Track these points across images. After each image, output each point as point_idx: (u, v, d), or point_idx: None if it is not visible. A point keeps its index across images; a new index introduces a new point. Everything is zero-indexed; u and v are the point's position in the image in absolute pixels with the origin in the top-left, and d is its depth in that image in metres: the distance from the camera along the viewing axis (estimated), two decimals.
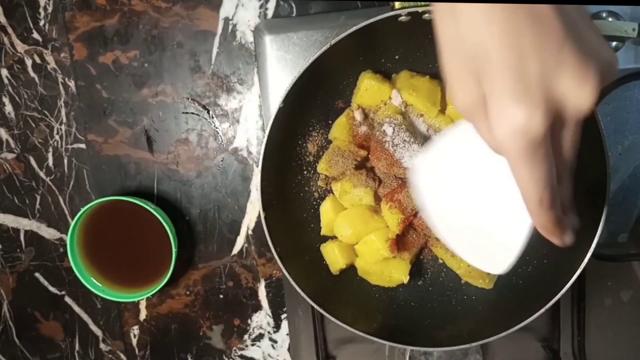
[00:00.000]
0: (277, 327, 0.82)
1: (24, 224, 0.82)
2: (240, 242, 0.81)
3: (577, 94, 0.34)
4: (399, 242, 0.69)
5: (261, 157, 0.64)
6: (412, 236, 0.71)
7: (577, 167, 0.66)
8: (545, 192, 0.36)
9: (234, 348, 0.83)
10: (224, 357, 0.83)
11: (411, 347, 0.70)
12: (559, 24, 0.33)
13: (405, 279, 0.69)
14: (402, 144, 0.65)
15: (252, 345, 0.82)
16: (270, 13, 0.76)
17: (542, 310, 0.62)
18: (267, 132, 0.63)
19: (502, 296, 0.70)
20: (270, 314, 0.82)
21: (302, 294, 0.65)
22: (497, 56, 0.34)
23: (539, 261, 0.69)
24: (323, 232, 0.72)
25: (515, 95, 0.33)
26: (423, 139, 0.68)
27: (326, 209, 0.72)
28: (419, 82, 0.67)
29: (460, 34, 0.36)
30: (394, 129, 0.66)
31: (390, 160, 0.66)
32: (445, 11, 0.37)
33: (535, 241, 0.70)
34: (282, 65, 0.74)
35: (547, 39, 0.33)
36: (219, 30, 0.77)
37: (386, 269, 0.70)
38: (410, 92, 0.67)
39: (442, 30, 0.38)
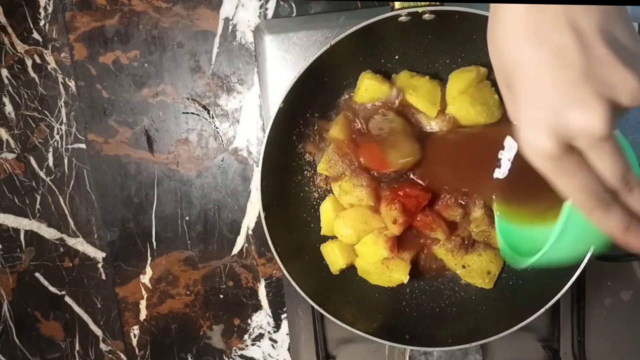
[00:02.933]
0: (277, 327, 0.82)
1: (24, 224, 0.82)
2: (240, 242, 0.81)
3: (583, 120, 0.36)
4: (399, 242, 0.69)
5: (261, 157, 0.64)
6: (412, 236, 0.71)
7: None
8: (591, 200, 0.38)
9: (234, 348, 0.83)
10: (224, 357, 0.83)
11: (411, 347, 0.70)
12: (582, 59, 0.35)
13: (405, 279, 0.69)
14: (393, 142, 0.65)
15: (252, 345, 0.82)
16: (270, 13, 0.76)
17: (542, 310, 0.62)
18: (267, 132, 0.63)
19: (502, 296, 0.70)
20: (270, 314, 0.82)
21: (302, 294, 0.65)
22: (521, 83, 0.37)
23: None
24: (323, 232, 0.72)
25: (527, 122, 0.37)
26: (416, 141, 0.68)
27: (326, 209, 0.72)
28: (419, 82, 0.67)
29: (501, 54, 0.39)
30: (384, 126, 0.66)
31: (378, 156, 0.66)
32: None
33: None
34: (282, 65, 0.74)
35: (567, 75, 0.36)
36: (219, 31, 0.77)
37: (386, 269, 0.70)
38: (411, 92, 0.67)
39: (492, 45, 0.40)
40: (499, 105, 0.67)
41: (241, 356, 0.83)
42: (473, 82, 0.66)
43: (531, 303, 0.63)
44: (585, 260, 0.60)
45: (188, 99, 0.78)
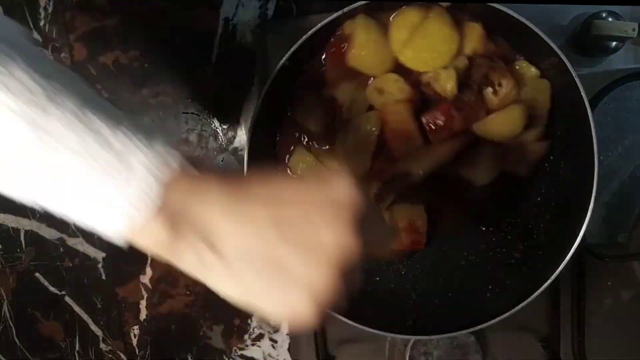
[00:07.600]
0: (277, 327, 0.82)
1: (24, 224, 0.81)
2: None
3: None
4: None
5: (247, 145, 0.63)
6: None
7: (567, 149, 0.66)
8: None
9: (234, 348, 0.82)
10: (224, 357, 0.83)
11: (411, 345, 0.70)
12: None
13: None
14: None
15: (252, 345, 0.82)
16: (270, 13, 0.77)
17: (532, 296, 0.62)
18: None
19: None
20: None
21: None
22: None
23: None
24: None
25: None
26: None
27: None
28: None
29: None
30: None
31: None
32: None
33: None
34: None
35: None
36: (219, 31, 0.77)
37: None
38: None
39: None
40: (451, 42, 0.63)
41: (241, 356, 0.83)
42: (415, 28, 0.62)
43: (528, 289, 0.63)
44: (578, 240, 0.60)
45: (188, 99, 0.78)
